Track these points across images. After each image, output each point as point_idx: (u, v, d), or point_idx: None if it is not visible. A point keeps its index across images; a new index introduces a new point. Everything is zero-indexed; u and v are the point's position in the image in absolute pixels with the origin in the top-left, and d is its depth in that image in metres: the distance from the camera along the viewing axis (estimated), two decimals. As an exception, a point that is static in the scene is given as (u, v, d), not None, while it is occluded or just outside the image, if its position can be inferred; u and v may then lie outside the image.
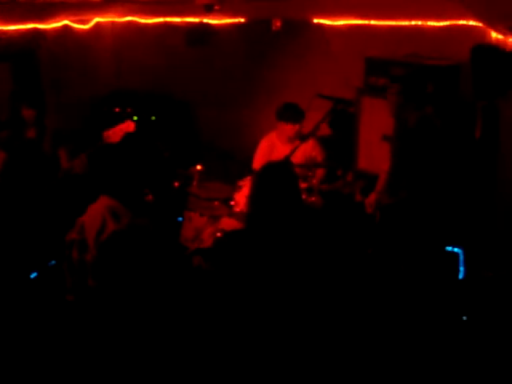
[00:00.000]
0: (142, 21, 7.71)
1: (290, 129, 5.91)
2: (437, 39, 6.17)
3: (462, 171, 5.52)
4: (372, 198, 5.25)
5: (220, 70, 7.89)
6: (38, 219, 5.63)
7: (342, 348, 4.17)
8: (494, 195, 5.68)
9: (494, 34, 5.26)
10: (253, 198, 3.61)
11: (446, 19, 6.14)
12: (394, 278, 4.99)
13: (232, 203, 5.82)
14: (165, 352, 4.55)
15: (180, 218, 6.13)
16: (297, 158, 5.67)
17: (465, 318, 4.90)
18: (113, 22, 7.87)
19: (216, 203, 5.92)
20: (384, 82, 6.04)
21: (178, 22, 7.59)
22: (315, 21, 7.00)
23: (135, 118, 7.65)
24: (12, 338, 4.82)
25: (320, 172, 5.87)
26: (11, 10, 6.07)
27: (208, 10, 6.23)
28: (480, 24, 5.65)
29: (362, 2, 6.23)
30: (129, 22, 7.75)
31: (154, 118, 7.99)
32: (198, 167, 6.09)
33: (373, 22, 6.58)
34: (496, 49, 4.71)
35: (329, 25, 6.94)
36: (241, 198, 5.64)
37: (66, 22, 7.14)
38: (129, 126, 5.41)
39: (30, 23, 6.73)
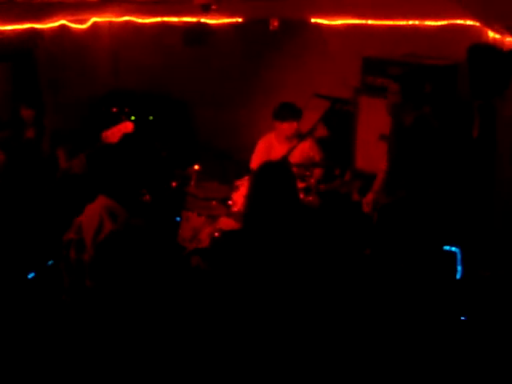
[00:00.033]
0: (140, 20, 7.71)
1: (287, 127, 5.92)
2: (434, 39, 6.18)
3: (460, 170, 5.52)
4: (370, 198, 5.25)
5: (217, 69, 7.88)
6: (37, 219, 5.63)
7: (341, 348, 4.17)
8: (491, 194, 5.68)
9: (491, 34, 5.27)
10: (250, 198, 3.61)
11: (443, 19, 6.15)
12: (391, 277, 5.00)
13: (230, 203, 5.83)
14: (163, 352, 4.54)
15: (178, 218, 6.13)
16: (295, 158, 5.68)
17: (463, 317, 4.91)
18: (110, 22, 7.87)
19: (214, 203, 5.92)
20: (382, 81, 6.05)
21: (175, 22, 7.59)
22: (312, 20, 7.01)
23: (133, 117, 7.65)
24: (10, 338, 4.81)
25: (318, 171, 5.87)
26: (8, 9, 6.05)
27: (205, 9, 6.22)
28: (477, 23, 5.66)
29: (360, 2, 6.23)
30: (126, 22, 7.76)
31: (151, 117, 7.98)
32: (196, 167, 6.09)
33: (370, 22, 6.59)
34: (493, 48, 4.71)
35: (326, 24, 6.94)
36: (238, 198, 5.64)
37: (63, 21, 7.13)
38: (127, 127, 5.40)
39: (28, 23, 6.72)
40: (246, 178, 5.58)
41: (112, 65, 8.38)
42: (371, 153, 6.17)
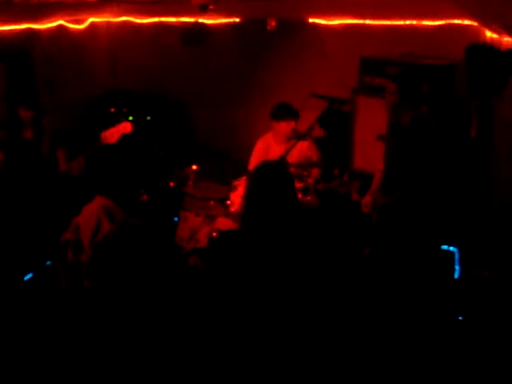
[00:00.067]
0: (137, 21, 7.71)
1: (284, 127, 5.92)
2: (432, 38, 6.18)
3: (457, 170, 5.52)
4: (368, 199, 5.25)
5: (215, 69, 7.88)
6: (36, 220, 5.62)
7: (338, 347, 4.17)
8: (489, 194, 5.69)
9: (488, 33, 5.27)
10: (248, 198, 3.61)
11: (440, 18, 6.15)
12: (390, 277, 5.00)
13: (228, 203, 5.83)
14: (161, 352, 4.54)
15: (176, 218, 6.13)
16: (293, 158, 5.68)
17: (460, 317, 4.91)
18: (108, 22, 7.86)
19: (211, 203, 5.92)
20: (379, 81, 6.05)
21: (173, 22, 7.59)
22: (310, 20, 7.01)
23: (130, 117, 7.64)
24: (8, 338, 4.81)
25: (315, 171, 5.87)
26: (5, 10, 6.05)
27: (203, 9, 6.22)
28: (475, 23, 5.66)
29: (357, 2, 6.24)
30: (124, 22, 7.75)
31: (149, 117, 7.98)
32: (194, 167, 6.09)
33: (368, 22, 6.60)
34: (491, 48, 4.71)
35: (324, 24, 6.95)
36: (236, 198, 5.64)
37: (60, 21, 7.13)
38: (126, 127, 5.39)
39: (25, 23, 6.72)
40: (244, 178, 5.58)
41: (110, 65, 8.38)
42: (369, 153, 6.18)
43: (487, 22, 5.14)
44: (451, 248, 5.44)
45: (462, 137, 5.59)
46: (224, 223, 5.50)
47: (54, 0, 6.42)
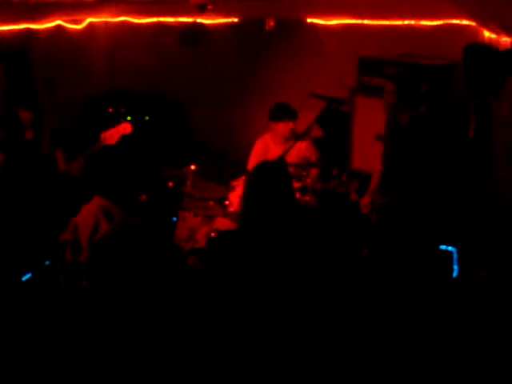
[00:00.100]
0: (136, 21, 7.70)
1: (282, 128, 5.92)
2: (430, 38, 6.18)
3: (456, 170, 5.53)
4: (367, 200, 5.25)
5: (213, 69, 7.88)
6: (35, 220, 5.62)
7: (337, 347, 4.17)
8: (487, 194, 5.69)
9: (486, 33, 5.27)
10: (246, 198, 3.61)
11: (439, 18, 6.15)
12: (388, 277, 5.00)
13: (226, 203, 5.83)
14: (160, 352, 4.54)
15: (174, 218, 6.13)
16: (291, 158, 5.68)
17: (458, 316, 4.91)
18: (106, 22, 7.86)
19: (210, 203, 5.92)
20: (378, 81, 6.06)
21: (171, 22, 7.59)
22: (308, 20, 7.01)
23: (129, 117, 7.64)
24: (6, 338, 4.81)
25: (314, 171, 5.87)
26: (4, 10, 6.05)
27: (201, 9, 6.22)
28: (473, 23, 5.67)
29: (356, 2, 6.24)
30: (122, 22, 7.75)
31: (147, 117, 7.98)
32: (192, 167, 6.08)
33: (366, 22, 6.60)
34: (489, 48, 4.72)
35: (322, 24, 6.95)
36: (235, 198, 5.64)
37: (59, 22, 7.12)
38: (126, 128, 5.38)
39: (23, 23, 6.71)
40: (243, 178, 5.58)
41: (108, 65, 8.37)
42: (368, 153, 6.18)
43: (485, 22, 5.15)
44: (450, 248, 5.45)
45: (461, 137, 5.59)
46: (223, 223, 5.50)
47: (52, 0, 6.42)
